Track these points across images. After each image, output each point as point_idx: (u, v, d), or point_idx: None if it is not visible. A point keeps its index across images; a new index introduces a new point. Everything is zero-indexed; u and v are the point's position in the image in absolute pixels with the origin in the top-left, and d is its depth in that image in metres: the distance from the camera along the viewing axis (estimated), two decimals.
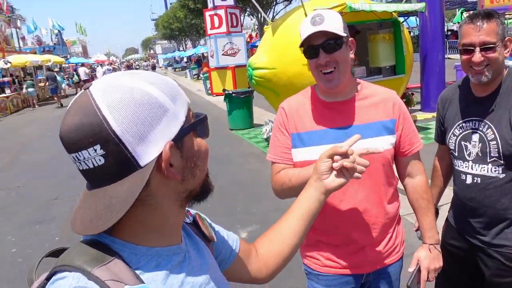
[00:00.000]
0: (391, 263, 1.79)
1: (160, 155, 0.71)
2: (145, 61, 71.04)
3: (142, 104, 0.70)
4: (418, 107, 9.92)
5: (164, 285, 0.76)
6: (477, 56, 1.73)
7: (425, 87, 9.65)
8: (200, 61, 31.98)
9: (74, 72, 29.78)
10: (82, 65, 33.52)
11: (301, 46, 1.64)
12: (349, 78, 1.70)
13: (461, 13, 28.30)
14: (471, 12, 1.83)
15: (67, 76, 29.92)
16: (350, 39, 1.65)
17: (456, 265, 2.11)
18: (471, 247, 1.98)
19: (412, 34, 20.07)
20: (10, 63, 21.01)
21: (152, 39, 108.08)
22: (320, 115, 1.72)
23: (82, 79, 27.47)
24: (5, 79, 22.12)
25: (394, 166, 1.81)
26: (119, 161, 0.69)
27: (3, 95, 20.51)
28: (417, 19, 19.69)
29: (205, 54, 35.57)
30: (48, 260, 0.79)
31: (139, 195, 0.70)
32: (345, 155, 1.13)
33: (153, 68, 49.42)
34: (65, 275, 0.68)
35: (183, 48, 62.10)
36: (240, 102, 10.33)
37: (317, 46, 1.59)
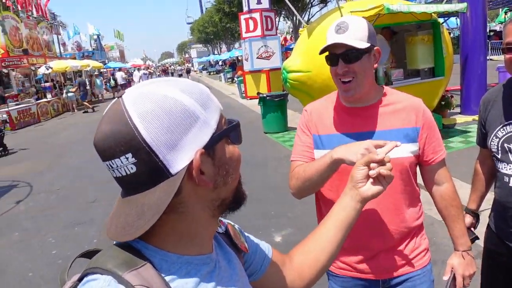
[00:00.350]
0: (414, 270, 1.75)
1: (191, 162, 0.72)
2: (180, 65, 72.22)
3: (172, 113, 0.70)
4: (458, 109, 9.61)
5: None
6: None
7: (466, 89, 9.33)
8: (234, 65, 32.26)
9: (111, 77, 30.68)
10: (120, 69, 34.57)
11: (324, 51, 1.66)
12: (371, 85, 1.69)
13: (505, 13, 27.31)
14: None
15: (105, 80, 30.80)
16: (375, 48, 1.64)
17: (499, 272, 2.04)
18: None
19: (452, 35, 19.51)
20: (52, 68, 21.82)
21: (187, 43, 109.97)
22: (340, 120, 1.74)
23: (119, 84, 28.28)
24: (47, 84, 23.03)
25: (417, 176, 1.77)
26: (150, 169, 0.70)
27: (44, 100, 21.24)
28: (458, 19, 19.13)
29: (239, 58, 35.85)
30: (81, 261, 0.81)
31: (171, 203, 0.71)
32: (381, 163, 1.10)
33: (188, 71, 50.23)
34: (96, 277, 0.69)
35: (218, 52, 62.79)
36: (274, 105, 10.34)
37: (337, 55, 1.61)
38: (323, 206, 1.83)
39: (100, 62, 34.83)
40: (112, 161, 0.70)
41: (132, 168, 0.69)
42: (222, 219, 1.02)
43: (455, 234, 1.76)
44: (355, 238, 1.69)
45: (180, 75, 50.03)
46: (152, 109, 0.69)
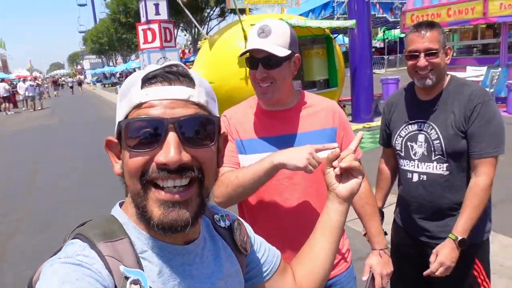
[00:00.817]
0: (340, 272, 1.79)
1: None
2: (71, 77, 67.96)
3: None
4: (349, 118, 10.37)
5: (159, 278, 0.77)
6: (422, 61, 1.88)
7: (356, 99, 10.12)
8: None
9: None
10: (2, 80, 31.33)
11: (244, 53, 1.64)
12: (289, 90, 1.70)
13: (384, 31, 30.27)
14: (414, 23, 1.95)
15: None
16: (296, 55, 1.64)
17: (406, 263, 2.20)
18: (419, 243, 2.10)
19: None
20: None
21: (79, 53, 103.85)
22: (261, 123, 1.73)
23: (1, 96, 25.65)
24: None
25: None
26: None
27: None
28: (344, 37, 20.74)
29: (137, 70, 34.76)
30: None
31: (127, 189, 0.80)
32: (338, 157, 1.08)
33: (79, 83, 47.87)
34: (75, 241, 0.75)
35: (113, 63, 60.28)
36: None
37: (257, 60, 1.59)
38: (247, 213, 1.80)
39: None
40: None
41: None
42: (229, 214, 1.01)
43: (372, 232, 1.81)
44: (285, 240, 1.68)
45: (71, 87, 47.12)
46: None
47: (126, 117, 0.75)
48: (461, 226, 1.85)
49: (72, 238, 0.77)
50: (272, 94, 1.63)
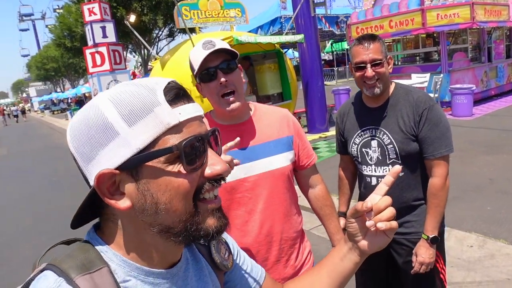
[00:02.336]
0: None
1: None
2: (14, 106, 65.27)
3: (91, 125, 0.68)
4: (305, 129, 10.59)
5: None
6: (369, 72, 1.99)
7: (310, 111, 10.35)
8: (82, 102, 30.37)
9: None
10: None
11: (196, 72, 1.60)
12: (245, 100, 1.73)
13: (331, 44, 31.25)
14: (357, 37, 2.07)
15: None
16: (238, 65, 1.66)
17: (373, 259, 2.28)
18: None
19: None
20: None
21: (23, 81, 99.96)
22: None
23: None
24: None
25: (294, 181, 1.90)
26: (82, 176, 0.73)
27: None
28: (293, 51, 21.20)
29: (86, 94, 33.86)
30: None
31: (106, 212, 0.74)
32: (376, 210, 0.88)
33: (23, 112, 46.43)
34: (49, 275, 0.68)
35: (61, 89, 58.45)
36: None
37: (214, 68, 1.58)
38: None
39: None
40: None
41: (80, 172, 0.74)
42: None
43: (331, 231, 1.89)
44: (255, 252, 1.73)
45: (16, 116, 45.35)
46: (79, 119, 0.70)
47: (155, 140, 0.68)
48: (429, 225, 2.00)
49: (44, 269, 0.69)
50: (238, 102, 1.63)
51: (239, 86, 1.63)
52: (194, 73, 1.63)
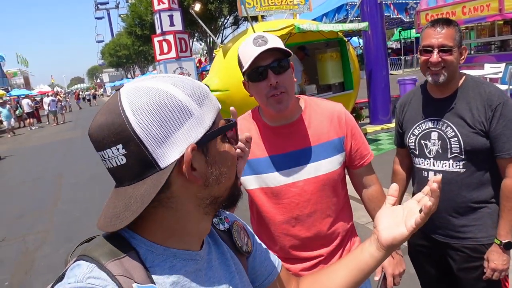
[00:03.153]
0: None
1: (182, 157, 0.72)
2: (87, 91, 69.41)
3: (165, 107, 0.71)
4: (367, 120, 10.31)
5: None
6: (435, 57, 1.87)
7: (372, 101, 10.06)
8: None
9: (18, 105, 28.47)
10: (26, 96, 32.18)
11: (245, 70, 1.53)
12: (295, 99, 1.66)
13: (399, 32, 29.97)
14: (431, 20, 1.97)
15: (13, 109, 28.42)
16: (291, 63, 1.58)
17: (425, 263, 2.21)
18: (436, 243, 2.08)
19: (356, 52, 21.00)
20: None
21: (98, 67, 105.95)
22: (267, 141, 1.67)
23: (25, 112, 26.35)
24: None
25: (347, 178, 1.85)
26: (140, 161, 0.70)
27: None
28: (359, 39, 20.59)
29: None
30: None
31: (160, 197, 0.72)
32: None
33: (94, 97, 49.71)
34: (81, 263, 0.71)
35: (132, 76, 61.24)
36: None
37: (265, 67, 1.50)
38: (258, 224, 1.82)
39: (2, 89, 32.19)
40: (104, 151, 0.72)
41: (122, 159, 0.71)
42: (228, 216, 1.02)
43: None
44: (299, 248, 1.73)
45: (89, 100, 48.51)
46: (145, 102, 0.70)
47: (215, 119, 0.78)
48: (502, 229, 1.88)
49: (76, 260, 0.74)
50: (287, 102, 1.56)
51: (290, 87, 1.55)
52: (243, 70, 1.55)
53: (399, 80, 11.92)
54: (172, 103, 0.71)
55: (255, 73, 1.53)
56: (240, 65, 1.58)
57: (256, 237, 1.08)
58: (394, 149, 2.37)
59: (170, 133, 0.71)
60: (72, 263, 0.74)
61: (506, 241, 1.87)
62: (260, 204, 1.72)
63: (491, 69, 10.01)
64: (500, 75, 9.78)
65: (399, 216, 0.94)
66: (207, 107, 0.76)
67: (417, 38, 28.77)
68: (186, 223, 0.79)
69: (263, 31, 5.83)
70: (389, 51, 26.45)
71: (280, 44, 1.53)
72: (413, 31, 26.66)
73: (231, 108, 1.23)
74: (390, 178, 2.34)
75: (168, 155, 0.71)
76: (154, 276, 0.74)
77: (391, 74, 10.79)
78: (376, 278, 1.79)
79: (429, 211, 0.87)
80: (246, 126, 1.71)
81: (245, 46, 1.54)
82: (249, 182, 1.70)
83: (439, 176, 0.91)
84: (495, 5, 9.82)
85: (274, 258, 1.09)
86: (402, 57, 25.99)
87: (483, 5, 10.07)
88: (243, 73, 1.57)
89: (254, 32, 6.73)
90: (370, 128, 9.57)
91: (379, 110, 9.95)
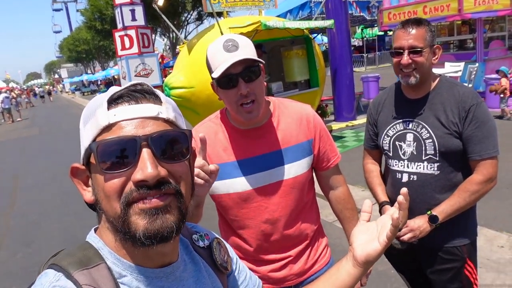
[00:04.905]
0: (318, 270, 1.79)
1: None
2: (41, 87, 67.08)
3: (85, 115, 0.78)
4: (332, 117, 10.42)
5: None
6: (405, 59, 1.84)
7: (337, 98, 10.17)
8: (111, 84, 30.85)
9: None
10: None
11: (213, 74, 1.47)
12: (265, 104, 1.61)
13: (362, 30, 30.59)
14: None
15: None
16: (261, 67, 1.53)
17: (400, 264, 2.20)
18: (409, 246, 2.03)
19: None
20: None
21: (56, 62, 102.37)
22: (235, 145, 1.63)
23: None
24: None
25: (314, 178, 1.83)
26: None
27: None
28: (322, 36, 20.84)
29: (116, 77, 34.34)
30: None
31: (99, 215, 0.78)
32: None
33: (49, 93, 48.66)
34: (49, 272, 0.72)
35: (91, 71, 59.53)
36: None
37: (235, 75, 1.44)
38: (226, 228, 1.79)
39: None
40: None
41: None
42: (208, 233, 0.98)
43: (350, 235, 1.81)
44: (268, 250, 1.71)
45: (42, 97, 47.13)
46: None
47: (94, 140, 0.72)
48: (442, 206, 1.87)
49: (46, 269, 0.74)
50: (257, 112, 1.52)
51: (260, 95, 1.51)
52: (211, 74, 1.49)
53: (362, 77, 12.15)
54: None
55: (225, 81, 1.47)
56: (209, 68, 1.52)
57: (238, 259, 1.05)
58: (359, 146, 2.34)
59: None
60: (42, 272, 0.75)
61: (434, 214, 1.86)
62: (228, 209, 1.69)
63: (451, 68, 10.35)
64: (459, 73, 10.13)
65: (373, 232, 0.93)
66: (88, 126, 0.75)
67: (379, 36, 29.47)
68: (122, 242, 0.75)
69: (229, 28, 5.72)
70: (352, 48, 26.95)
71: (251, 50, 1.47)
72: (376, 29, 27.25)
73: (200, 135, 1.17)
74: (357, 175, 2.29)
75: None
76: (122, 287, 0.74)
77: (354, 71, 10.96)
78: None
79: (397, 224, 0.87)
80: (214, 129, 1.67)
81: (215, 50, 1.47)
82: (218, 187, 1.65)
83: (405, 189, 0.93)
84: (454, 5, 10.14)
85: (255, 278, 1.07)
86: (365, 55, 26.53)
87: (443, 5, 10.38)
88: (212, 77, 1.51)
89: (220, 28, 6.64)
90: (335, 125, 9.66)
91: (344, 107, 10.07)
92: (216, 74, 1.45)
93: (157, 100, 0.76)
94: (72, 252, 0.75)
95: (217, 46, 1.46)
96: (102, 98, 0.74)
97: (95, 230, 0.81)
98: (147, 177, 0.69)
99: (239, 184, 1.63)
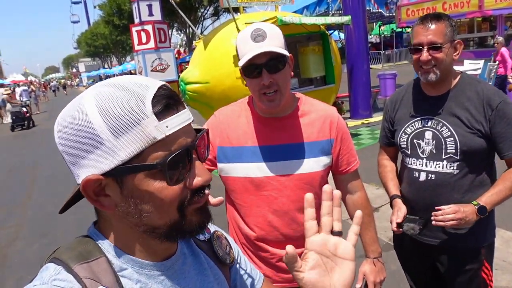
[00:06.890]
0: None
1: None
2: (56, 81, 67.73)
3: (79, 130, 0.69)
4: (348, 115, 10.34)
5: None
6: (424, 55, 1.80)
7: (353, 95, 10.09)
8: None
9: None
10: (1, 86, 31.22)
11: (240, 62, 1.52)
12: (289, 95, 1.64)
13: (379, 26, 30.24)
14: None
15: None
16: (289, 55, 1.55)
17: (412, 267, 2.17)
18: (426, 247, 2.01)
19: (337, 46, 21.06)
20: None
21: (74, 57, 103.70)
22: (256, 131, 1.66)
23: None
24: None
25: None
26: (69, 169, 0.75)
27: None
28: (340, 33, 20.70)
29: (132, 72, 34.61)
30: None
31: (99, 210, 0.77)
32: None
33: (64, 87, 48.56)
34: (49, 266, 0.73)
35: (109, 66, 60.15)
36: None
37: (259, 65, 1.49)
38: (234, 213, 1.79)
39: None
40: None
41: None
42: (209, 226, 0.96)
43: (366, 241, 1.78)
44: (270, 244, 1.71)
45: (54, 91, 47.62)
46: (66, 121, 0.71)
47: (141, 152, 0.68)
48: (488, 197, 1.78)
49: (46, 263, 0.75)
50: (279, 101, 1.55)
51: (283, 86, 1.54)
52: (239, 62, 1.53)
53: (379, 74, 12.01)
54: (87, 129, 0.68)
55: (250, 69, 1.52)
56: (237, 53, 1.56)
57: (240, 251, 1.07)
58: (374, 144, 2.31)
59: (81, 157, 0.70)
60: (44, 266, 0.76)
61: (483, 205, 1.76)
62: (238, 193, 1.70)
63: (470, 65, 10.16)
64: (479, 71, 9.94)
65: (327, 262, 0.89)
66: (128, 138, 0.68)
67: (397, 33, 29.10)
68: (131, 239, 0.78)
69: (245, 23, 5.73)
70: (369, 45, 26.67)
71: (279, 41, 1.50)
72: (394, 25, 26.90)
73: (219, 198, 1.23)
74: (373, 173, 2.26)
75: (80, 175, 0.71)
76: (123, 280, 0.74)
77: (371, 68, 10.85)
78: (358, 286, 1.75)
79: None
80: (237, 113, 1.71)
81: (243, 38, 1.51)
82: (231, 169, 1.67)
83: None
84: (475, 1, 9.96)
85: (256, 272, 1.08)
86: (382, 52, 26.22)
87: (463, 2, 10.20)
88: (240, 64, 1.55)
89: (236, 24, 6.63)
90: (351, 123, 9.60)
91: (360, 105, 9.99)
92: (241, 63, 1.50)
93: (182, 102, 0.77)
94: (73, 246, 0.76)
95: (245, 35, 1.51)
96: (138, 107, 0.68)
97: (95, 224, 0.82)
98: (207, 182, 0.75)
99: (253, 169, 1.64)
